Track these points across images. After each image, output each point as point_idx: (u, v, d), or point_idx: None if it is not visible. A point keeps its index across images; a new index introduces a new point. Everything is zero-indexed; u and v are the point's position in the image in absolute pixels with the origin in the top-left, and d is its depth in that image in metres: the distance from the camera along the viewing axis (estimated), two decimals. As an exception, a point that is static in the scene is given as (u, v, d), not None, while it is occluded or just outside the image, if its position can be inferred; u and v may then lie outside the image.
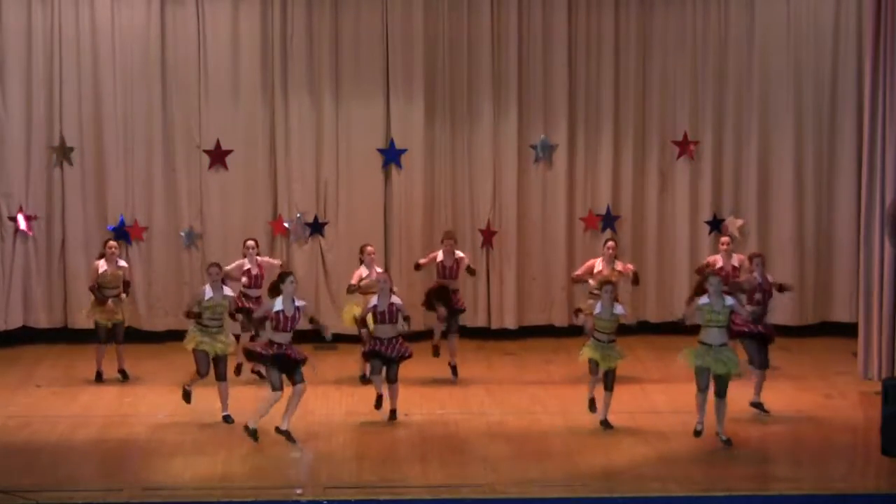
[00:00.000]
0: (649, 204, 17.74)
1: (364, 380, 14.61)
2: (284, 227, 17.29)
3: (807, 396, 14.46)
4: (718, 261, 15.26)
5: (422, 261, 15.58)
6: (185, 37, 17.07)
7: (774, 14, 17.58)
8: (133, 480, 11.45)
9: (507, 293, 17.58)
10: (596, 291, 14.24)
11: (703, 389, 12.59)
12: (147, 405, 13.94)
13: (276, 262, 15.59)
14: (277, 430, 12.48)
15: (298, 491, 11.22)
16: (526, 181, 17.59)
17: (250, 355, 13.03)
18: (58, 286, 17.10)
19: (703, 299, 12.59)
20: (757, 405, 13.64)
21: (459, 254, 15.43)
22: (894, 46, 14.48)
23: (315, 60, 17.20)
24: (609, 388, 13.11)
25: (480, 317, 17.54)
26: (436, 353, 15.20)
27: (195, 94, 17.13)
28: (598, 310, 13.22)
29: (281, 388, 12.50)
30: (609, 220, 17.60)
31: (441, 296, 15.19)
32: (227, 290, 13.55)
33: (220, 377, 13.32)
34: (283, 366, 12.51)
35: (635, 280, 15.38)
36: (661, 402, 13.55)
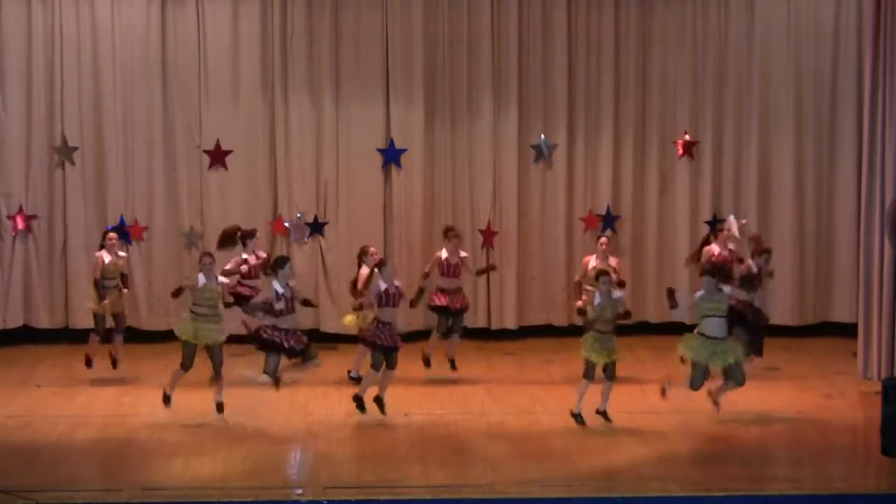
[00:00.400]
0: (649, 204, 17.73)
1: (354, 379, 14.58)
2: (284, 226, 17.30)
3: (807, 396, 14.45)
4: (715, 249, 15.28)
5: (427, 269, 15.37)
6: (185, 37, 17.07)
7: (774, 14, 17.57)
8: (133, 480, 11.43)
9: (507, 293, 17.58)
10: (590, 288, 14.23)
11: (696, 388, 12.74)
12: (147, 405, 13.91)
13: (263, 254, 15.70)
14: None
15: (298, 491, 11.23)
16: (526, 181, 17.58)
17: (262, 344, 13.15)
18: (59, 286, 17.11)
19: (699, 293, 12.66)
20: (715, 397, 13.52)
21: (463, 253, 15.41)
22: (894, 46, 14.46)
23: (315, 60, 17.20)
24: (611, 377, 13.08)
25: (480, 317, 17.53)
26: (427, 363, 15.16)
27: (195, 94, 17.13)
28: (597, 300, 13.20)
29: (275, 375, 13.01)
30: (609, 220, 17.59)
31: (443, 311, 15.16)
32: (222, 278, 13.76)
33: (216, 373, 13.35)
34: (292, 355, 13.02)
35: (620, 284, 15.29)
36: (660, 402, 13.55)
